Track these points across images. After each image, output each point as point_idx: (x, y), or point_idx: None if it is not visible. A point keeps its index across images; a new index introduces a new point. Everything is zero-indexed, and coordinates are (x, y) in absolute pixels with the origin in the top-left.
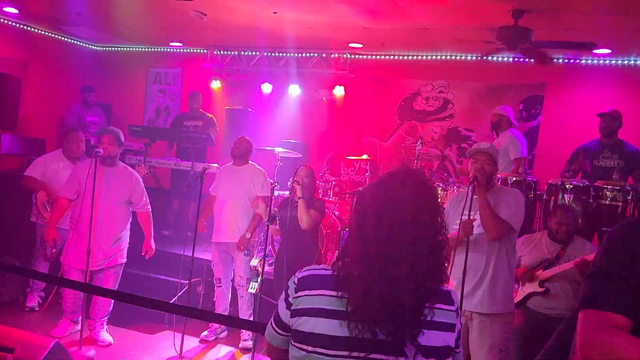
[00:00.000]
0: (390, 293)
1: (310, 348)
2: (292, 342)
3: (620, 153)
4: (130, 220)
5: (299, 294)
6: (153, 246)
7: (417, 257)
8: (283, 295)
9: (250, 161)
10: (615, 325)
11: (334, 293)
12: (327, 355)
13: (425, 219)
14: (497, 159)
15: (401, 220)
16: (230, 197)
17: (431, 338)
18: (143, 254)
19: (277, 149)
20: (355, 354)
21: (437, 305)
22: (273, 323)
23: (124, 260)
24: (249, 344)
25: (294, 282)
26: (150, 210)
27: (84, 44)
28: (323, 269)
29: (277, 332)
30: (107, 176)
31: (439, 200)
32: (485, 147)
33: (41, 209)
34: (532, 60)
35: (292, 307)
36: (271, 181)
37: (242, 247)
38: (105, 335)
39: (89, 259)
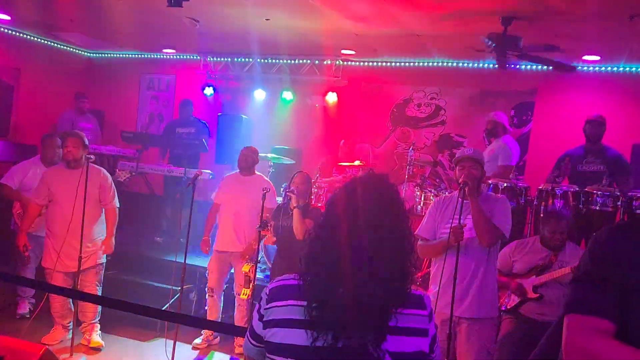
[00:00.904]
0: (350, 298)
1: (282, 359)
2: (267, 354)
3: (603, 158)
4: (99, 217)
5: (270, 305)
6: (112, 245)
7: (378, 262)
8: (257, 307)
9: (256, 172)
10: (599, 330)
11: (302, 302)
12: None
13: (387, 222)
14: (483, 164)
15: (361, 224)
16: (235, 206)
17: (401, 343)
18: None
19: (270, 155)
20: None
21: (406, 311)
22: (248, 335)
23: (103, 259)
24: None
25: (266, 293)
26: (117, 207)
27: (77, 51)
28: (293, 278)
29: (252, 344)
30: (74, 178)
31: (401, 204)
32: (469, 153)
33: (16, 218)
34: (549, 67)
35: (264, 319)
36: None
37: (247, 257)
38: (97, 339)
39: (66, 261)
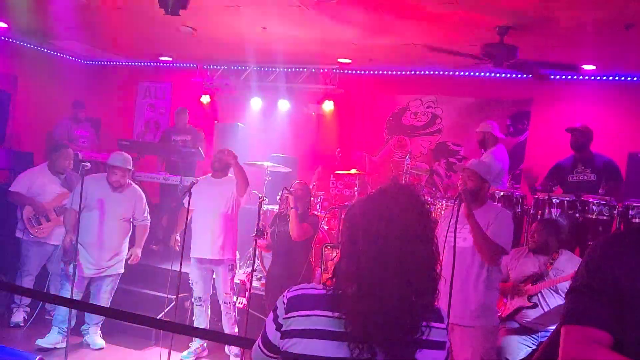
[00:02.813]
0: (387, 310)
1: None
2: None
3: (592, 166)
4: (129, 234)
5: (290, 314)
6: (139, 254)
7: (409, 273)
8: (271, 316)
9: (230, 174)
10: (597, 341)
11: (328, 313)
12: None
13: (416, 234)
14: (484, 174)
15: (393, 237)
16: (210, 210)
17: (426, 357)
18: (128, 257)
19: (266, 163)
20: None
21: (432, 324)
22: (260, 344)
23: (122, 270)
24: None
25: (283, 302)
26: (149, 224)
27: (74, 58)
28: (313, 287)
29: (264, 354)
30: (115, 196)
31: (429, 214)
32: (468, 164)
33: (27, 224)
34: (528, 75)
35: (283, 329)
36: (260, 195)
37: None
38: (98, 340)
39: (89, 265)
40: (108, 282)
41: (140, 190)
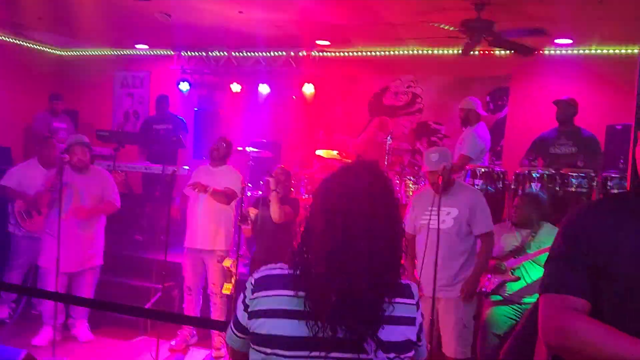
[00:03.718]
0: (348, 288)
1: (269, 350)
2: (252, 345)
3: (575, 140)
4: (104, 223)
5: (255, 295)
6: (85, 209)
7: (374, 250)
8: (241, 297)
9: (226, 163)
10: (575, 308)
11: (291, 292)
12: (286, 356)
13: (380, 211)
14: (446, 159)
15: (356, 213)
16: (206, 199)
17: (391, 333)
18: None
19: (249, 149)
20: (315, 353)
21: (396, 300)
22: (232, 326)
23: (101, 261)
24: (222, 352)
25: (251, 283)
26: (118, 205)
27: (47, 49)
28: (279, 267)
29: (236, 335)
30: (79, 180)
31: (393, 192)
32: (431, 163)
33: (19, 218)
34: (512, 51)
35: (249, 309)
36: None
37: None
38: (86, 333)
39: (65, 262)
40: (89, 276)
41: (105, 171)
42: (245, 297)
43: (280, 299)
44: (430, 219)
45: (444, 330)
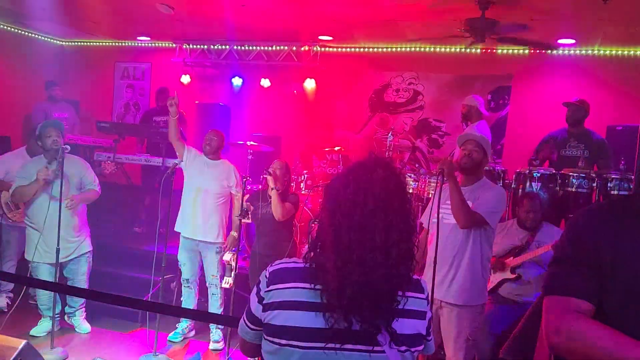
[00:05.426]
0: (365, 281)
1: (283, 341)
2: (265, 336)
3: (586, 142)
4: (85, 210)
5: (270, 287)
6: (76, 200)
7: (390, 244)
8: (255, 290)
9: (221, 157)
10: (579, 311)
11: (307, 285)
12: (301, 347)
13: (395, 205)
14: (486, 147)
15: (373, 208)
16: (201, 189)
17: (403, 326)
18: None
19: (249, 143)
20: (330, 344)
21: (409, 294)
22: (245, 318)
23: (90, 247)
24: (220, 345)
25: (266, 276)
26: (99, 191)
27: (49, 39)
28: (294, 261)
29: (249, 327)
30: (55, 168)
31: (406, 187)
32: (471, 135)
33: (5, 208)
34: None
35: (264, 301)
36: (242, 175)
37: (231, 247)
38: (84, 324)
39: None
40: (82, 263)
41: (81, 159)
42: (259, 289)
43: (297, 291)
44: (432, 213)
45: (447, 341)
